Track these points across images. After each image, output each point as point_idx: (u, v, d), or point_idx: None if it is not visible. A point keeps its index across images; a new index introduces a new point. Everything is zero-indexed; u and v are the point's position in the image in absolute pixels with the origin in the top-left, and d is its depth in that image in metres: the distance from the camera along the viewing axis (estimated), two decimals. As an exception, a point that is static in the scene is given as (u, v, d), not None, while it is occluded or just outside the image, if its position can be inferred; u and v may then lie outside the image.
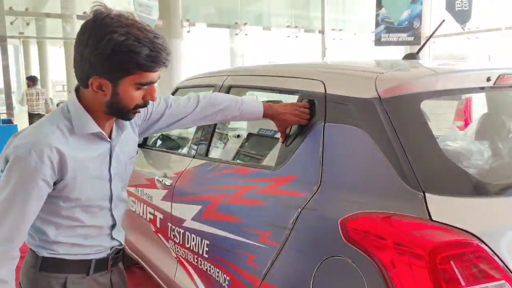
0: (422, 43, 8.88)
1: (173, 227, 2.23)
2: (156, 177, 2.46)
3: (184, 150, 2.64)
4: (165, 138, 2.96)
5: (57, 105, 10.81)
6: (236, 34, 9.70)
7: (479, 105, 3.20)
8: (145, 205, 2.64)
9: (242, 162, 2.10)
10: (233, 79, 2.19)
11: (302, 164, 1.56)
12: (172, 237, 2.26)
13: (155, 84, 1.23)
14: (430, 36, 2.27)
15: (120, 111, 1.24)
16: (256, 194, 1.66)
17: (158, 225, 2.45)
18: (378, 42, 9.22)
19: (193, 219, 2.01)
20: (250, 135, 2.26)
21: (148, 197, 2.56)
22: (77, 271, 1.34)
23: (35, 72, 19.37)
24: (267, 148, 2.00)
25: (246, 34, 9.47)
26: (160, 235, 2.44)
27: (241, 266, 1.65)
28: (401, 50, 12.48)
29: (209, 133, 2.19)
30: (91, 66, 1.15)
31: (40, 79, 18.94)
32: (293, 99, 1.73)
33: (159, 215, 2.41)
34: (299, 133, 1.61)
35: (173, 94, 2.81)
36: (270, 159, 1.78)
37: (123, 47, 1.11)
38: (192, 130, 3.19)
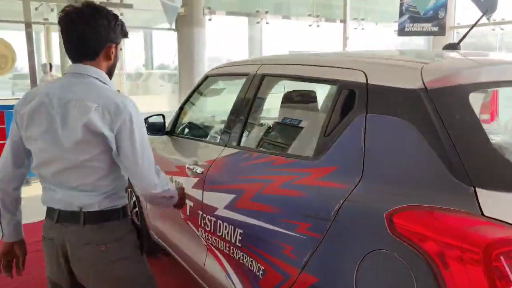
0: (446, 33, 8.69)
1: (204, 215, 2.23)
2: (187, 165, 2.46)
3: (214, 138, 2.63)
4: (193, 126, 2.96)
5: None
6: (258, 23, 9.61)
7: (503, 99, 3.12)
8: (174, 193, 2.65)
9: (277, 152, 2.08)
10: (266, 68, 2.17)
11: (342, 155, 1.54)
12: (202, 225, 2.27)
13: None
14: (473, 26, 2.20)
15: (112, 70, 1.61)
16: (294, 185, 1.65)
17: (188, 213, 2.46)
18: (402, 32, 9.05)
19: (226, 207, 2.01)
20: (284, 124, 2.23)
21: (178, 184, 2.57)
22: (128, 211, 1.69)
23: (56, 58, 19.63)
24: (303, 137, 1.98)
25: (267, 23, 9.38)
26: (189, 223, 2.45)
27: (277, 256, 1.64)
28: (422, 40, 12.28)
29: (241, 122, 2.18)
30: (107, 36, 1.50)
31: (60, 65, 19.23)
32: (331, 89, 1.71)
33: (189, 203, 2.42)
34: (338, 124, 1.59)
35: (202, 82, 2.81)
36: (308, 149, 1.76)
37: (118, 19, 1.54)
38: (221, 118, 3.20)
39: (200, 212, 2.29)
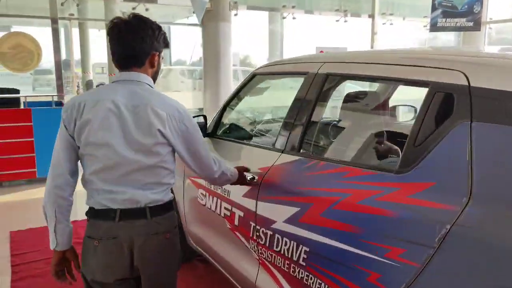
0: (481, 29, 8.33)
1: (258, 227, 2.05)
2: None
3: (267, 143, 2.43)
4: (239, 128, 2.77)
5: (97, 86, 10.85)
6: (284, 18, 9.37)
7: None
8: (219, 200, 2.47)
9: (349, 162, 1.87)
10: (331, 67, 1.96)
11: (440, 170, 1.32)
12: (255, 237, 2.08)
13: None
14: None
15: (155, 78, 1.71)
16: (378, 202, 1.44)
17: (236, 223, 2.27)
18: (434, 27, 8.71)
19: (287, 221, 1.82)
20: (354, 130, 2.02)
21: (224, 191, 2.39)
22: None
23: (76, 54, 19.70)
24: (381, 146, 1.77)
25: (294, 18, 9.14)
26: (238, 234, 2.27)
27: (357, 283, 1.44)
28: (453, 36, 11.90)
29: (301, 126, 1.98)
30: (152, 45, 1.62)
31: (81, 61, 19.28)
32: (418, 91, 1.49)
33: (239, 212, 2.23)
34: (433, 132, 1.37)
35: (249, 80, 2.61)
36: (390, 160, 1.55)
37: (161, 30, 1.65)
38: (271, 120, 3.00)
39: (253, 224, 2.10)
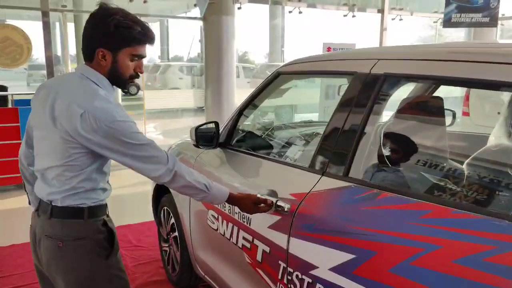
0: (498, 24, 7.90)
1: (290, 269, 1.60)
2: (258, 194, 1.82)
3: (299, 159, 1.98)
4: (258, 138, 2.31)
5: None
6: (290, 12, 8.88)
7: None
8: (236, 227, 2.01)
9: (431, 196, 1.40)
10: (390, 65, 1.51)
11: None
12: (285, 281, 1.63)
13: (142, 60, 1.60)
14: None
15: (119, 78, 1.57)
16: (488, 264, 0.99)
17: (259, 259, 1.82)
18: (448, 23, 8.26)
19: (336, 270, 1.37)
20: (428, 146, 1.56)
21: (244, 218, 1.94)
22: (106, 212, 1.66)
23: (72, 48, 19.14)
24: (485, 177, 1.31)
25: (300, 12, 8.66)
26: (262, 272, 1.82)
27: None
28: (463, 32, 11.45)
29: (350, 140, 1.52)
30: (99, 40, 1.50)
31: (77, 56, 18.73)
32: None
33: (263, 247, 1.78)
34: None
35: (272, 80, 2.15)
36: (503, 197, 1.10)
37: (123, 24, 1.49)
38: (302, 130, 2.54)
39: (283, 264, 1.65)
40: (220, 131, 2.35)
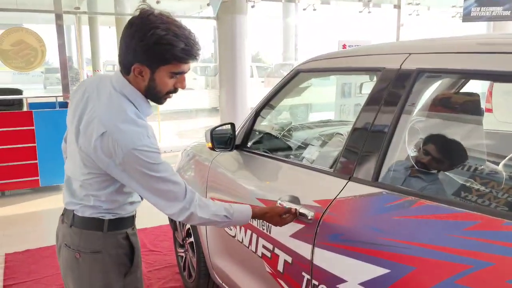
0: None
1: (315, 282, 1.48)
2: (279, 201, 1.71)
3: (322, 163, 1.85)
4: (275, 140, 2.19)
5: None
6: (304, 9, 8.74)
7: None
8: (255, 235, 1.90)
9: (475, 205, 1.27)
10: (423, 59, 1.38)
11: None
12: (310, 294, 1.52)
13: (185, 74, 1.41)
14: None
15: (155, 95, 1.42)
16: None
17: (280, 269, 1.71)
18: (467, 17, 8.02)
19: (368, 285, 1.25)
20: (464, 147, 1.42)
21: (264, 225, 1.82)
22: (131, 224, 1.55)
23: (86, 52, 19.27)
24: None
25: (314, 10, 8.51)
26: (283, 284, 1.70)
27: None
28: (485, 26, 11.13)
29: (379, 141, 1.39)
30: (135, 55, 1.33)
31: (91, 58, 18.84)
32: None
33: (285, 257, 1.67)
34: None
35: (290, 79, 2.03)
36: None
37: (163, 40, 1.30)
38: (327, 131, 2.42)
39: (307, 276, 1.53)
40: (236, 133, 2.25)
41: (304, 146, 2.20)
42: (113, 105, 1.34)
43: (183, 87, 1.42)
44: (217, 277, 2.47)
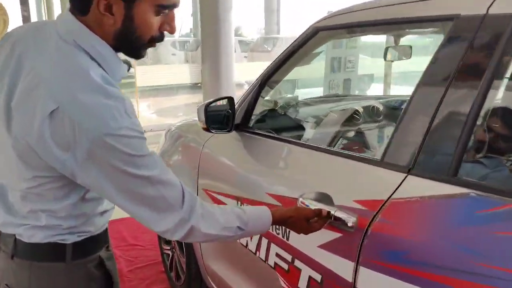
0: None
1: (359, 312, 1.08)
2: (301, 199, 1.29)
3: (359, 147, 1.43)
4: (288, 119, 1.76)
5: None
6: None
7: None
8: (266, 240, 1.49)
9: None
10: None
11: None
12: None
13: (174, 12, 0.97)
14: None
15: (133, 44, 0.95)
16: None
17: (302, 286, 1.30)
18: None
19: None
20: None
21: (279, 229, 1.41)
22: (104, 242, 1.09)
23: (57, 8, 18.18)
24: None
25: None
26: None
27: None
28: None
29: (457, 119, 0.98)
30: None
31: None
32: None
33: (311, 273, 1.26)
34: None
35: (308, 39, 1.58)
36: None
37: None
38: (352, 105, 2.00)
39: (344, 301, 1.13)
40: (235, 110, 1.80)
41: (324, 126, 1.77)
42: (65, 65, 0.87)
43: (173, 31, 0.97)
44: (211, 282, 2.07)
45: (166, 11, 0.94)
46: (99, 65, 0.91)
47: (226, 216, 1.02)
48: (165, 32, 0.97)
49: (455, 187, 0.95)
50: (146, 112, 8.78)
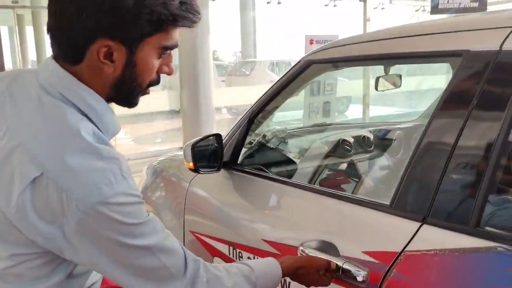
0: (488, 9, 7.55)
1: None
2: (301, 247, 1.18)
3: (362, 189, 1.33)
4: (280, 154, 1.66)
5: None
6: (268, 3, 8.24)
7: None
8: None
9: None
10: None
11: None
12: None
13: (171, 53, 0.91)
14: None
15: (131, 92, 0.86)
16: None
17: None
18: (435, 9, 7.83)
19: None
20: None
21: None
22: None
23: (32, 54, 17.89)
24: None
25: (279, 3, 8.03)
26: None
27: None
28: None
29: (477, 160, 0.90)
30: (100, 25, 0.76)
31: (37, 63, 17.51)
32: None
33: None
34: None
35: (300, 72, 1.50)
36: None
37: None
38: (350, 135, 1.91)
39: None
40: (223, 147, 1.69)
41: (316, 160, 1.68)
42: (49, 122, 0.76)
43: (172, 72, 0.91)
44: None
45: (168, 52, 0.87)
46: (90, 120, 0.80)
47: (233, 279, 0.91)
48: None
49: (478, 239, 0.86)
50: (124, 140, 8.58)
